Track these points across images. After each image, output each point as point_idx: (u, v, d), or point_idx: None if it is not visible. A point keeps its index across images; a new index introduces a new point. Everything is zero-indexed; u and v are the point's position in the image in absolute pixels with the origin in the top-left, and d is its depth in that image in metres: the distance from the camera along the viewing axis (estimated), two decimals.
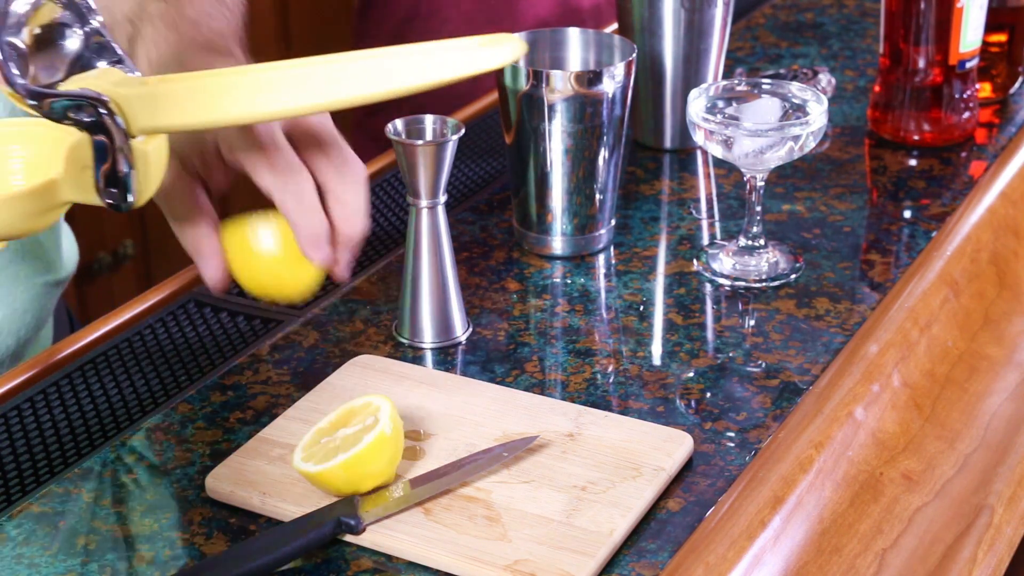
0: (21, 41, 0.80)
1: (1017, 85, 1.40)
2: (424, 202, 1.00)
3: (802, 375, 0.99)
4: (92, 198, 0.82)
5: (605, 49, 1.14)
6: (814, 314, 1.06)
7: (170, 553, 0.83)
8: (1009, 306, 1.15)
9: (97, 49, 0.83)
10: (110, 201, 0.82)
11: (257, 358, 1.02)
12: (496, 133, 1.36)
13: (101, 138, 0.80)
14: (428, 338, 1.03)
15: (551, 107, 1.08)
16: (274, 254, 0.94)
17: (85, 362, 1.02)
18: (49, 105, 0.79)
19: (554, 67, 1.15)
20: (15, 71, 0.79)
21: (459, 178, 1.27)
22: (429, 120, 0.99)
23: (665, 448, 0.89)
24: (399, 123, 0.99)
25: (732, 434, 0.92)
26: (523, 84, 1.09)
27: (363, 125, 1.77)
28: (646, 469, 0.87)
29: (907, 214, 1.20)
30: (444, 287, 1.02)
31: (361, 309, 1.07)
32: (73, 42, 0.82)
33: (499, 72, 1.10)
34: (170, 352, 1.03)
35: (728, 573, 0.82)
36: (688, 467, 0.89)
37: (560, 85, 1.08)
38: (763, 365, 1.00)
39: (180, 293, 1.11)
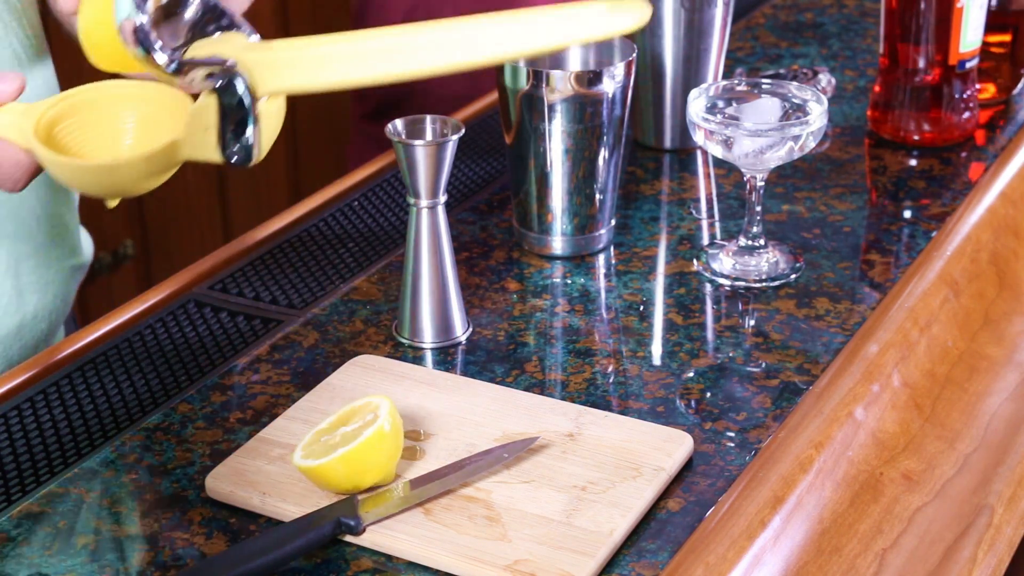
0: (147, 12, 0.85)
1: (1020, 87, 1.40)
2: (424, 202, 1.00)
3: (802, 375, 0.98)
4: (211, 156, 0.87)
5: (605, 49, 1.14)
6: (814, 314, 1.06)
7: (170, 553, 0.83)
8: (1009, 306, 1.15)
9: (212, 15, 0.87)
10: (233, 159, 0.86)
11: (257, 358, 1.02)
12: (496, 133, 1.36)
13: (229, 100, 0.83)
14: (428, 338, 1.03)
15: (551, 107, 1.08)
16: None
17: (85, 362, 1.02)
18: (186, 71, 0.84)
19: (554, 67, 1.15)
20: (153, 35, 0.85)
21: (459, 178, 1.27)
22: (429, 120, 1.00)
23: (665, 448, 0.89)
24: (399, 123, 0.99)
25: (732, 434, 0.92)
26: (523, 84, 1.09)
27: (364, 130, 1.77)
28: (646, 469, 0.87)
29: (907, 214, 1.20)
30: (444, 287, 1.02)
31: (361, 309, 1.07)
32: (192, 10, 0.87)
33: (499, 72, 1.10)
34: (170, 352, 1.03)
35: (728, 573, 0.82)
36: (688, 467, 0.89)
37: (560, 85, 1.08)
38: (763, 365, 1.00)
39: (180, 293, 1.11)
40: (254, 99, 0.84)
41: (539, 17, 0.79)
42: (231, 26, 0.87)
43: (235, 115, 0.84)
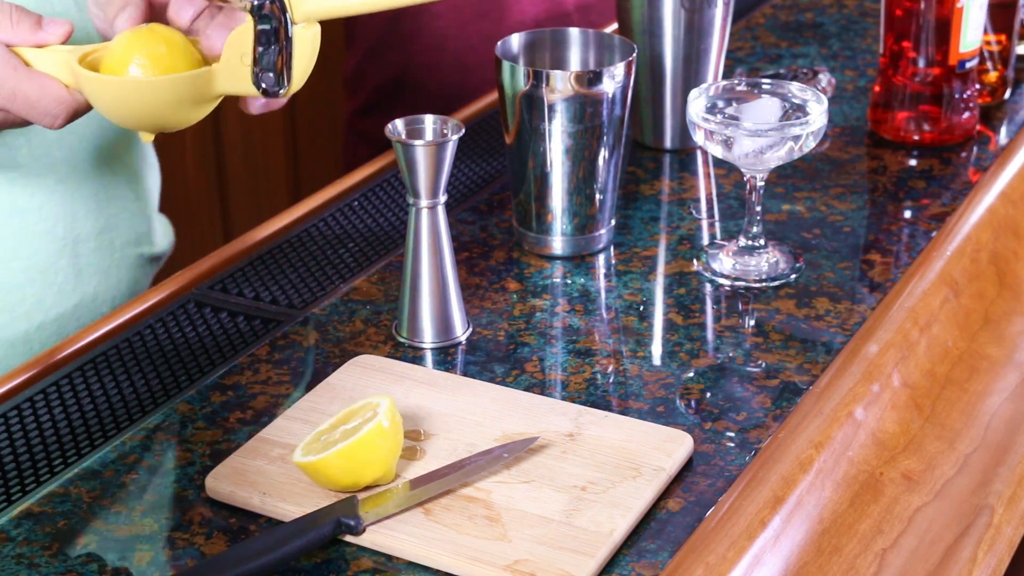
0: None
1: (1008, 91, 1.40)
2: (424, 202, 1.00)
3: (802, 375, 0.98)
4: (246, 88, 0.88)
5: (605, 49, 1.14)
6: (814, 314, 1.06)
7: (170, 553, 0.83)
8: (1009, 306, 1.15)
9: None
10: (265, 87, 0.88)
11: (257, 358, 1.02)
12: (496, 133, 1.36)
13: (265, 25, 0.84)
14: (428, 338, 1.03)
15: (551, 107, 1.08)
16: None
17: (85, 362, 1.02)
18: None
19: (554, 67, 1.15)
20: None
21: (459, 178, 1.27)
22: (429, 120, 0.99)
23: (665, 448, 0.89)
24: (399, 123, 0.99)
25: (732, 434, 0.92)
26: (523, 84, 1.09)
27: (355, 127, 1.77)
28: (646, 469, 0.87)
29: (907, 214, 1.20)
30: (444, 287, 1.02)
31: (361, 309, 1.07)
32: None
33: (499, 72, 1.10)
34: (170, 352, 1.03)
35: (728, 573, 0.82)
36: (688, 467, 0.89)
37: (560, 85, 1.08)
38: (763, 365, 1.00)
39: (180, 293, 1.11)
40: (290, 22, 0.84)
41: None
42: None
43: (270, 40, 0.85)
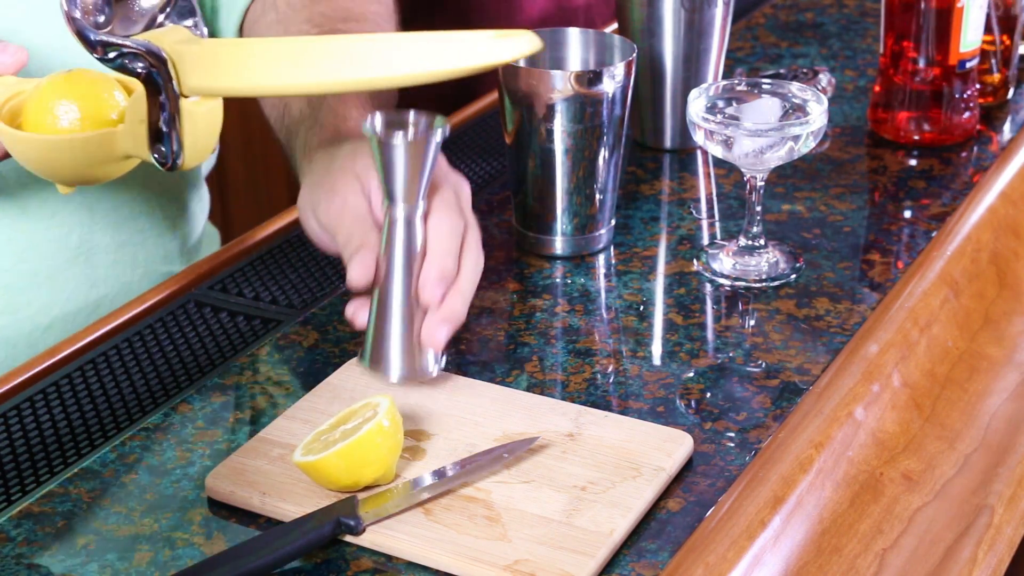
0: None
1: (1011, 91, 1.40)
2: (400, 209, 0.90)
3: (802, 375, 0.98)
4: (145, 153, 0.84)
5: (605, 49, 1.14)
6: (814, 314, 1.06)
7: (170, 553, 0.83)
8: (1009, 306, 1.15)
9: (180, 11, 0.85)
10: (157, 157, 0.84)
11: (257, 358, 1.02)
12: (496, 133, 1.36)
13: (154, 93, 0.82)
14: (394, 372, 0.93)
15: (551, 107, 1.08)
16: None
17: (85, 362, 1.02)
18: (107, 54, 0.82)
19: (554, 67, 1.15)
20: (77, 14, 0.82)
21: None
22: (412, 116, 0.91)
23: (665, 448, 0.89)
24: (378, 117, 0.90)
25: (732, 434, 0.92)
26: (523, 84, 1.08)
27: None
28: (646, 469, 0.87)
29: (907, 214, 1.20)
30: (418, 314, 0.92)
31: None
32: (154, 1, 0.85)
33: (499, 72, 1.10)
34: (170, 352, 1.03)
35: (728, 573, 0.82)
36: (688, 467, 0.89)
37: (560, 85, 1.08)
38: (763, 365, 1.00)
39: (180, 293, 1.11)
40: (177, 95, 0.82)
41: (430, 42, 0.79)
42: (189, 13, 0.85)
43: (159, 110, 0.82)
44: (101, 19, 0.83)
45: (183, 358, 1.03)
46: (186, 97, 0.82)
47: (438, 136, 0.89)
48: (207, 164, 1.31)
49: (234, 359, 1.02)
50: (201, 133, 0.84)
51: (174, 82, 0.81)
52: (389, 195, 0.90)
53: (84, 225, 1.15)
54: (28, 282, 1.13)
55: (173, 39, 0.83)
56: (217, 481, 0.87)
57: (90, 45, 0.82)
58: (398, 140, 0.88)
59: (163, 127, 0.82)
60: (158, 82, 0.81)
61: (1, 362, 1.14)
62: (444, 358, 0.95)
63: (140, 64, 0.81)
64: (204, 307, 1.09)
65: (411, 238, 0.91)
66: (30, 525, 0.86)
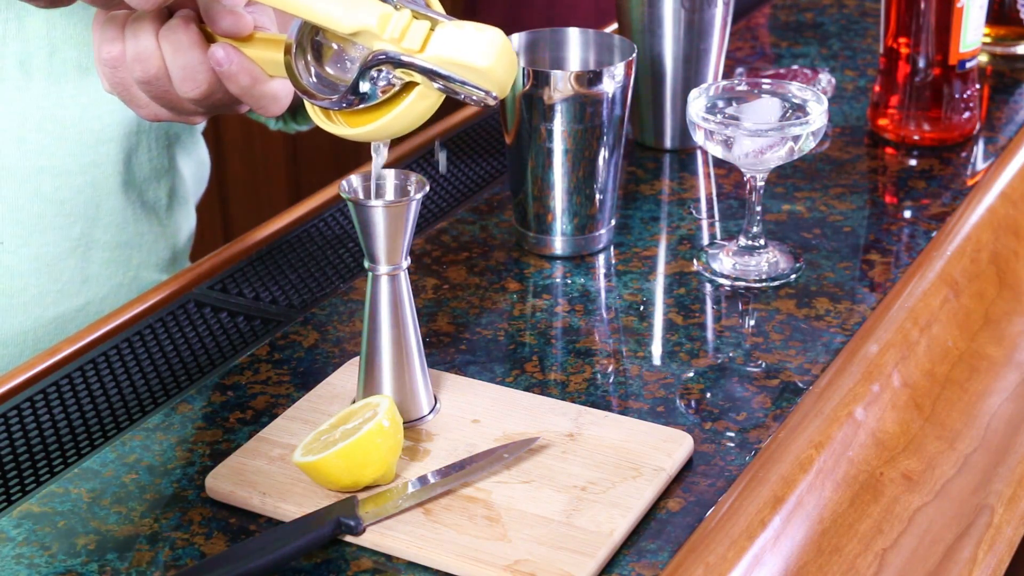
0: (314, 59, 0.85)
1: None
2: (383, 268, 0.89)
3: (802, 375, 0.99)
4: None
5: (605, 49, 1.14)
6: (814, 314, 1.06)
7: (170, 553, 0.83)
8: (1009, 306, 1.15)
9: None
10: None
11: (257, 358, 1.02)
12: (496, 133, 1.36)
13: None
14: None
15: (551, 107, 1.08)
16: None
17: (85, 362, 1.02)
18: (360, 93, 0.81)
19: (554, 67, 1.15)
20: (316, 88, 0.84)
21: (459, 178, 1.27)
22: (390, 176, 0.88)
23: (665, 448, 0.89)
24: (355, 179, 0.88)
25: (732, 434, 0.92)
26: (523, 84, 1.09)
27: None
28: (646, 469, 0.87)
29: (907, 214, 1.20)
30: (407, 363, 0.91)
31: (361, 309, 1.07)
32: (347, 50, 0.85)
33: None
34: (170, 352, 1.03)
35: (728, 573, 0.82)
36: (688, 467, 0.89)
37: (560, 85, 1.08)
38: (763, 365, 1.00)
39: (180, 293, 1.11)
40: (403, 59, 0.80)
41: None
42: None
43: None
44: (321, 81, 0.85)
45: (183, 358, 1.03)
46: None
47: (418, 196, 0.87)
48: (200, 189, 1.33)
49: (234, 359, 1.02)
50: (406, 114, 0.82)
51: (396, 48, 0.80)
52: (370, 256, 0.88)
53: (89, 219, 1.16)
54: (28, 267, 1.14)
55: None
56: (217, 481, 0.87)
57: (333, 106, 0.82)
58: (375, 203, 0.86)
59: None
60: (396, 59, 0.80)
61: None
62: (439, 405, 0.94)
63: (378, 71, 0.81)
64: (204, 307, 1.09)
65: (396, 293, 0.90)
66: (30, 525, 0.86)
